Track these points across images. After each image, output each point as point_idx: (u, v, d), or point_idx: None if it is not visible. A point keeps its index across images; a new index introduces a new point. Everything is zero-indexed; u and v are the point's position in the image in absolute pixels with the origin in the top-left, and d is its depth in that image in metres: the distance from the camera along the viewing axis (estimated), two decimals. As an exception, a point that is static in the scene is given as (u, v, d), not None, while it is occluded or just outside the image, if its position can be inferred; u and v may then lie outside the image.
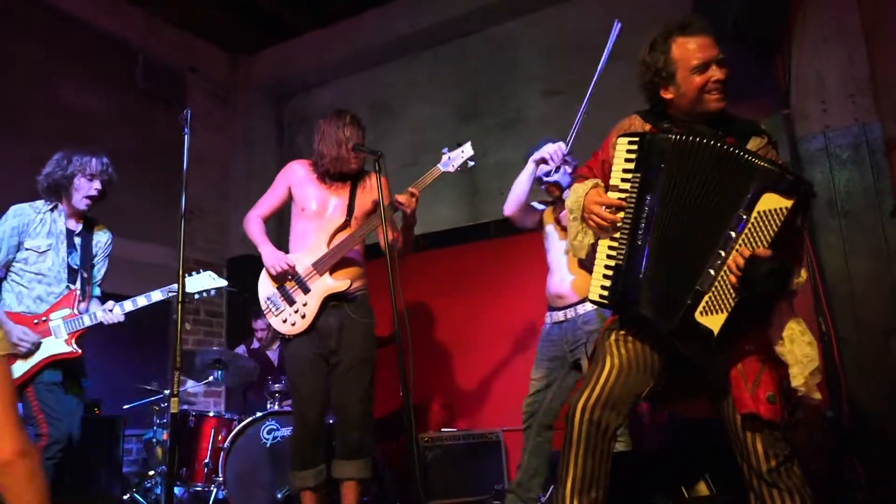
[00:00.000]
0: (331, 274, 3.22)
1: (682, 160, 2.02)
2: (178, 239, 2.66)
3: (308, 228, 3.31)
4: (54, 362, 3.09)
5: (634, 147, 2.11)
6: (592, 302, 2.19)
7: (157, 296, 3.28)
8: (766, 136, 2.11)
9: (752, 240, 1.89)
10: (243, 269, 5.59)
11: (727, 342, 1.98)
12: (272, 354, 5.18)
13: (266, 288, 3.28)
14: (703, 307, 1.94)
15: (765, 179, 1.89)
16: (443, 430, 4.54)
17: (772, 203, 1.87)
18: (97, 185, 3.27)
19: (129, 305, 3.25)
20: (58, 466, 2.96)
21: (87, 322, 3.18)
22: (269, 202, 3.46)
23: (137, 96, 5.62)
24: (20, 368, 3.03)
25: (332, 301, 3.23)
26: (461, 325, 5.05)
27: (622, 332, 2.15)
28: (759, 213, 1.88)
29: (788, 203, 1.85)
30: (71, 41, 5.22)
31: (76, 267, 3.28)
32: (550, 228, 3.55)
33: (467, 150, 3.37)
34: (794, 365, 1.98)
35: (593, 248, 2.21)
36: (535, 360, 3.52)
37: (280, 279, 3.23)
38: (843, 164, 3.88)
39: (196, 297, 3.43)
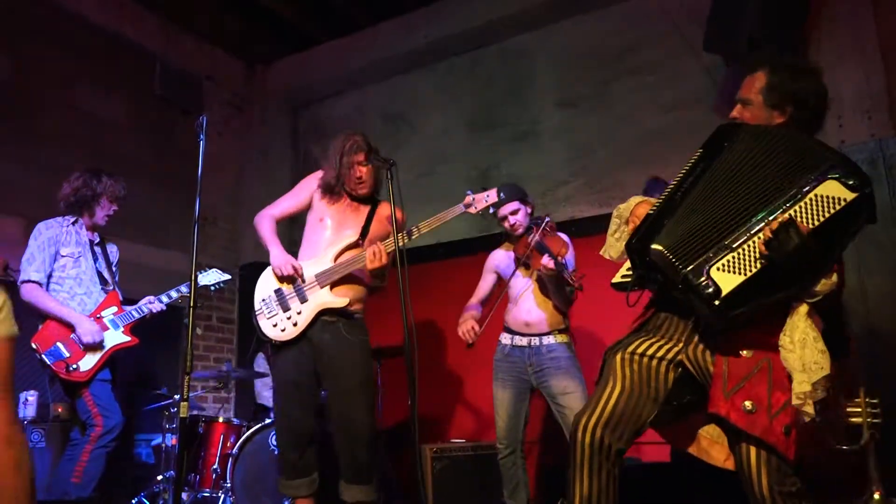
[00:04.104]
0: (332, 289, 3.19)
1: (746, 141, 2.01)
2: (192, 244, 2.68)
3: (321, 239, 3.29)
4: (106, 360, 3.50)
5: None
6: (613, 286, 2.15)
7: (185, 289, 3.72)
8: None
9: (799, 216, 1.81)
10: (256, 275, 5.60)
11: (732, 324, 1.88)
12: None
13: (264, 289, 3.26)
14: (723, 263, 1.85)
15: (835, 166, 1.84)
16: (451, 440, 4.52)
17: (833, 190, 1.81)
18: (116, 206, 3.72)
19: (164, 299, 3.72)
20: (110, 455, 3.42)
21: (136, 315, 3.65)
22: (286, 205, 3.43)
23: (154, 103, 5.68)
24: (91, 361, 3.46)
25: (325, 316, 3.18)
26: (471, 335, 5.04)
27: (629, 349, 2.12)
28: (816, 194, 1.82)
29: (848, 196, 1.79)
30: (89, 48, 5.27)
31: (103, 272, 3.68)
32: (511, 264, 3.67)
33: (492, 196, 3.31)
34: (799, 371, 1.85)
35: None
36: (495, 379, 3.64)
37: (283, 282, 3.22)
38: (858, 180, 3.85)
39: (212, 289, 4.00)
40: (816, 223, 1.80)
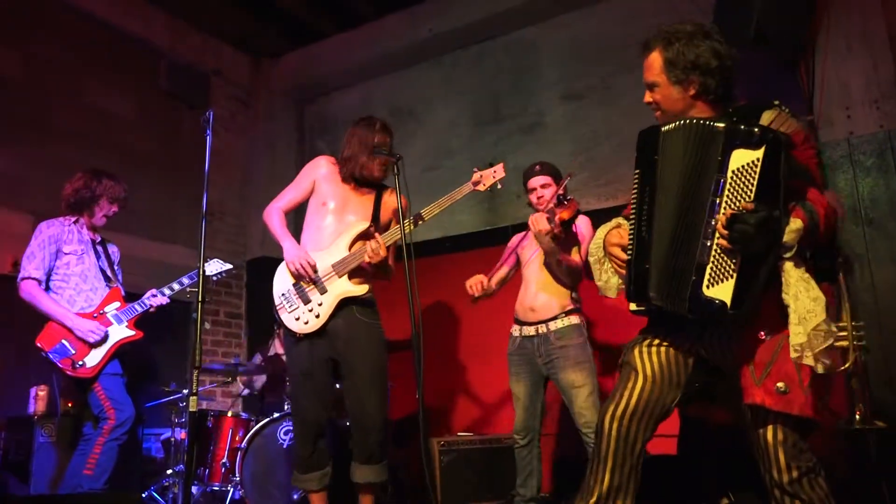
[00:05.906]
0: (350, 277, 3.21)
1: (667, 145, 2.03)
2: (199, 239, 2.70)
3: (326, 225, 3.29)
4: (113, 354, 3.55)
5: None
6: (633, 313, 2.17)
7: (187, 280, 3.84)
8: (780, 108, 2.04)
9: (734, 199, 1.86)
10: (263, 270, 5.63)
11: (748, 316, 1.91)
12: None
13: (282, 283, 3.27)
14: (708, 279, 1.89)
15: (729, 137, 1.89)
16: (459, 433, 4.53)
17: (743, 158, 1.86)
18: (115, 207, 3.75)
19: (167, 291, 3.79)
20: (121, 447, 3.50)
21: (139, 309, 3.70)
22: (291, 196, 3.43)
23: (161, 99, 5.69)
24: (96, 356, 3.50)
25: (346, 304, 3.21)
26: (479, 328, 5.04)
27: (646, 342, 2.14)
28: (733, 171, 1.87)
29: (759, 153, 1.83)
30: (96, 44, 5.29)
31: (105, 269, 3.73)
32: (529, 240, 3.63)
33: (499, 171, 3.31)
34: (795, 323, 1.88)
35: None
36: (510, 373, 3.63)
37: (298, 276, 3.23)
38: (867, 171, 3.82)
39: (214, 278, 4.08)
40: (752, 194, 1.83)
